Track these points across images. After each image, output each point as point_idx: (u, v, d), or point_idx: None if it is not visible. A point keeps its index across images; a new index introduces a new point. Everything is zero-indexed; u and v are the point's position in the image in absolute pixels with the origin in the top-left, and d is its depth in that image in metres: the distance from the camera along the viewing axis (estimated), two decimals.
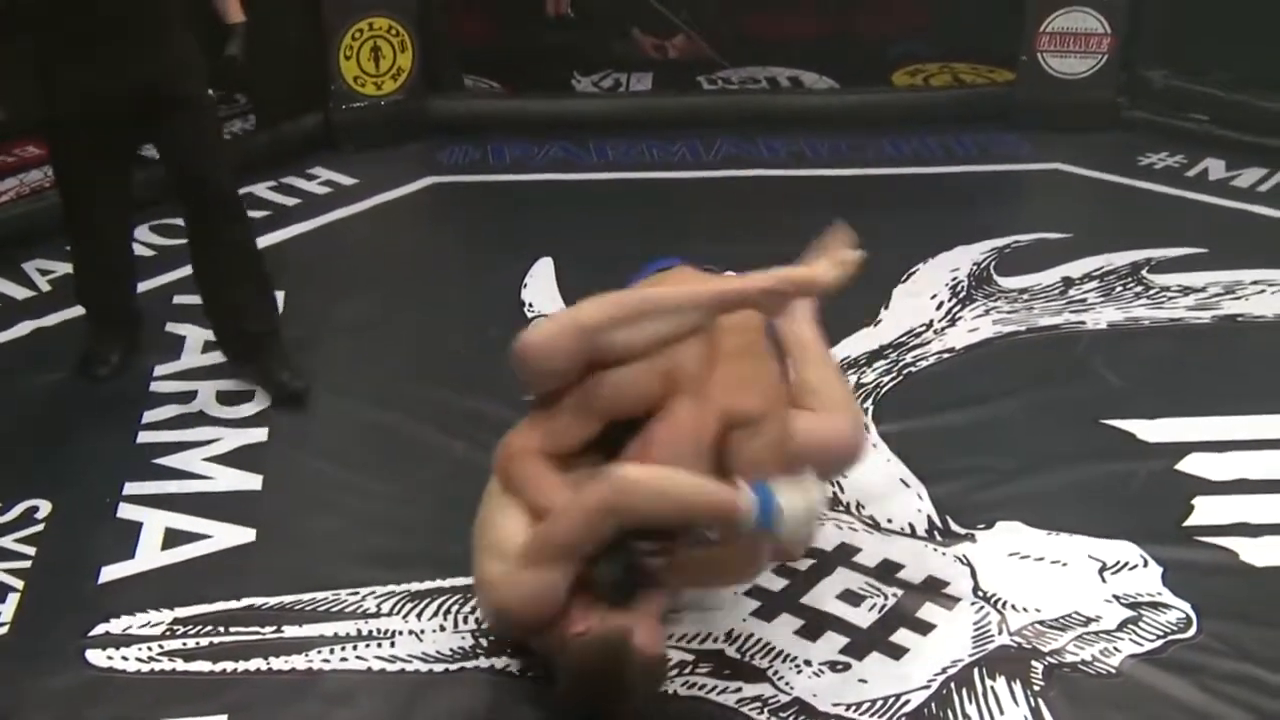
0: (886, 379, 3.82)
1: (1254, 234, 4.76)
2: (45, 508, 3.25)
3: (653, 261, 3.10)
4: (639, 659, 2.50)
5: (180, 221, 4.74)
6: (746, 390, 2.76)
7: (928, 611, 2.94)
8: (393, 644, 2.84)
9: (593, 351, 2.71)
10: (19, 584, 3.01)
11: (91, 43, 3.38)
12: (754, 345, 2.88)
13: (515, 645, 2.77)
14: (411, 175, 5.17)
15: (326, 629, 2.89)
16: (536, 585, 2.58)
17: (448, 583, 2.98)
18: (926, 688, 2.74)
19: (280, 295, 4.23)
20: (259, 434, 3.56)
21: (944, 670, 2.79)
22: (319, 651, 2.83)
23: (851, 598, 2.98)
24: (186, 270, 4.40)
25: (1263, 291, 4.29)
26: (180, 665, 2.79)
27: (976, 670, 2.79)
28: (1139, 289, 4.32)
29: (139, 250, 4.54)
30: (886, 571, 3.06)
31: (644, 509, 2.56)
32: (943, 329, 4.09)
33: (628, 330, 2.73)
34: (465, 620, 2.89)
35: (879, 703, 2.70)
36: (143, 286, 4.35)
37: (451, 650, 2.82)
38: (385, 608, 2.93)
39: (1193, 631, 2.89)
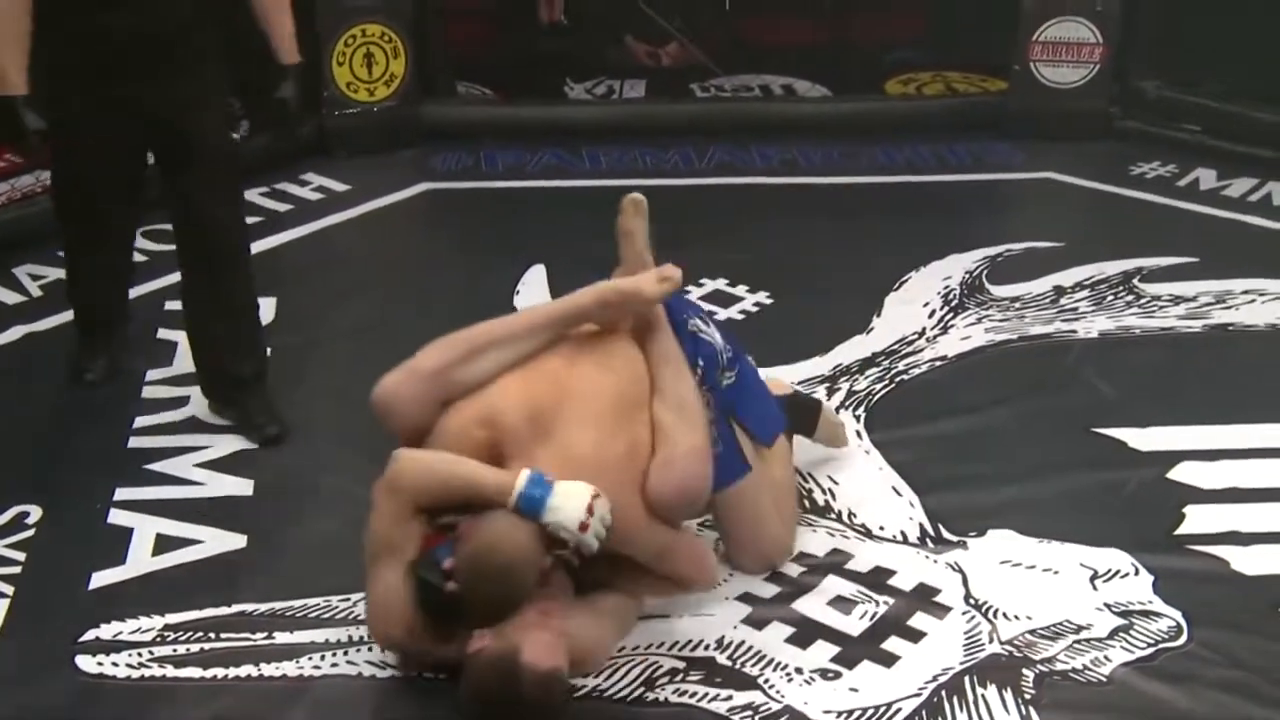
0: (879, 386, 3.82)
1: (1245, 244, 4.77)
2: (36, 513, 3.24)
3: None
4: (530, 674, 2.50)
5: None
6: (575, 466, 2.69)
7: (919, 619, 2.94)
8: (384, 650, 2.84)
9: (442, 393, 2.80)
10: (9, 590, 3.01)
11: (106, 72, 3.21)
12: (604, 371, 2.86)
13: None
14: (405, 181, 5.17)
15: (318, 635, 2.88)
16: (374, 589, 2.70)
17: None
18: (917, 695, 2.74)
19: (274, 301, 4.24)
20: (250, 440, 3.55)
21: (935, 678, 2.79)
22: (310, 658, 2.82)
23: (843, 605, 2.98)
24: (178, 276, 4.42)
25: (1254, 301, 4.30)
26: (171, 671, 2.79)
27: (968, 678, 2.79)
28: (1130, 298, 4.33)
29: None
30: (878, 579, 3.06)
31: (416, 485, 2.69)
32: (935, 337, 4.10)
33: (469, 366, 2.82)
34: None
35: (870, 711, 2.70)
36: (134, 292, 4.34)
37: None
38: None
39: (1184, 640, 2.90)
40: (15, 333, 4.09)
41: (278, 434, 3.52)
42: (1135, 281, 4.42)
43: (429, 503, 2.70)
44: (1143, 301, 4.31)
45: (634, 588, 2.84)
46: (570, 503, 2.62)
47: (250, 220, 4.76)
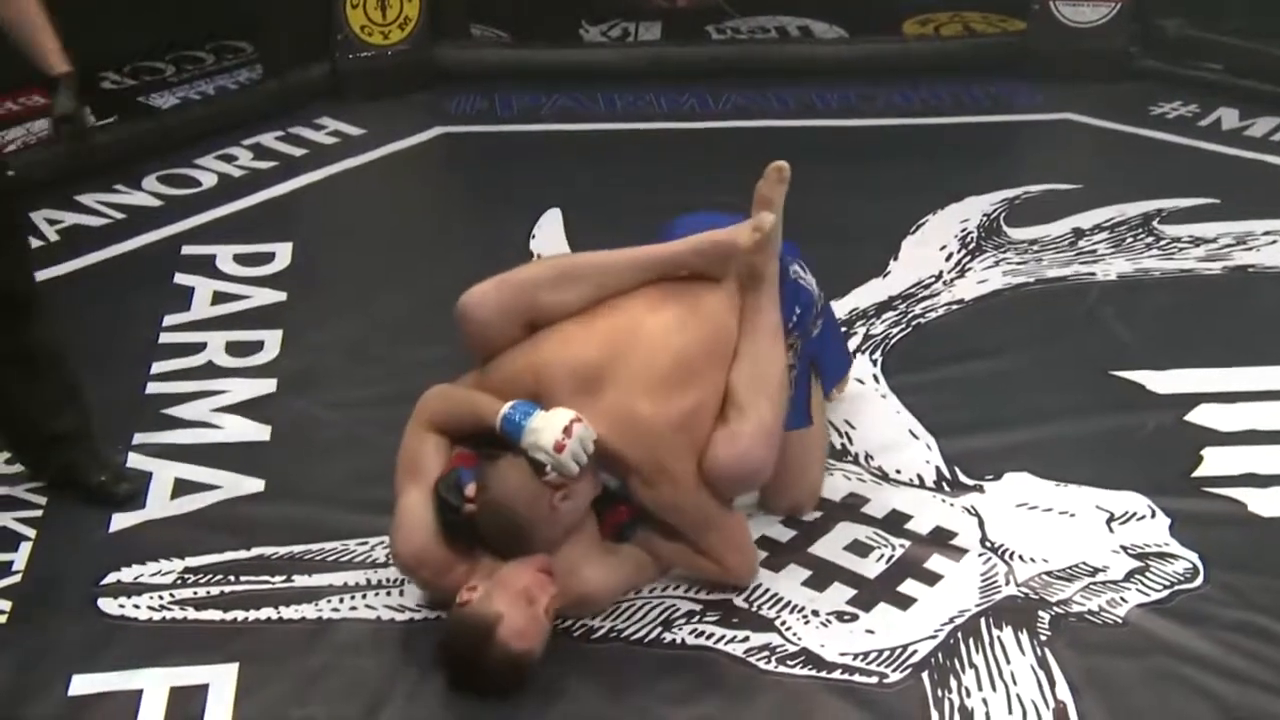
0: (895, 330, 3.81)
1: (1266, 184, 4.72)
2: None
3: (687, 216, 3.11)
4: (500, 649, 2.53)
5: (187, 171, 4.78)
6: (620, 427, 2.69)
7: (935, 562, 2.95)
8: (401, 593, 2.86)
9: (526, 310, 2.81)
10: (31, 533, 3.03)
11: None
12: (681, 327, 2.82)
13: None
14: (419, 125, 5.14)
15: (336, 578, 2.90)
16: (396, 508, 2.73)
17: None
18: (934, 637, 2.75)
19: (289, 246, 4.24)
20: (268, 385, 3.56)
21: (951, 620, 2.80)
22: (328, 601, 2.84)
23: (859, 548, 2.99)
24: (194, 221, 4.44)
25: (1274, 242, 4.26)
26: (191, 614, 2.81)
27: (984, 620, 2.80)
28: (1150, 240, 4.30)
29: (145, 200, 4.56)
30: (894, 522, 3.07)
31: (435, 412, 2.80)
32: (952, 280, 4.08)
33: (558, 291, 2.82)
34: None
35: (886, 653, 2.72)
36: (150, 237, 4.38)
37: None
38: None
39: (1200, 582, 2.90)
40: (37, 277, 4.09)
41: (130, 491, 3.13)
42: (1155, 223, 4.39)
43: (446, 429, 2.78)
44: (1162, 243, 4.28)
45: (670, 557, 2.84)
46: (548, 424, 2.62)
47: (265, 165, 4.80)
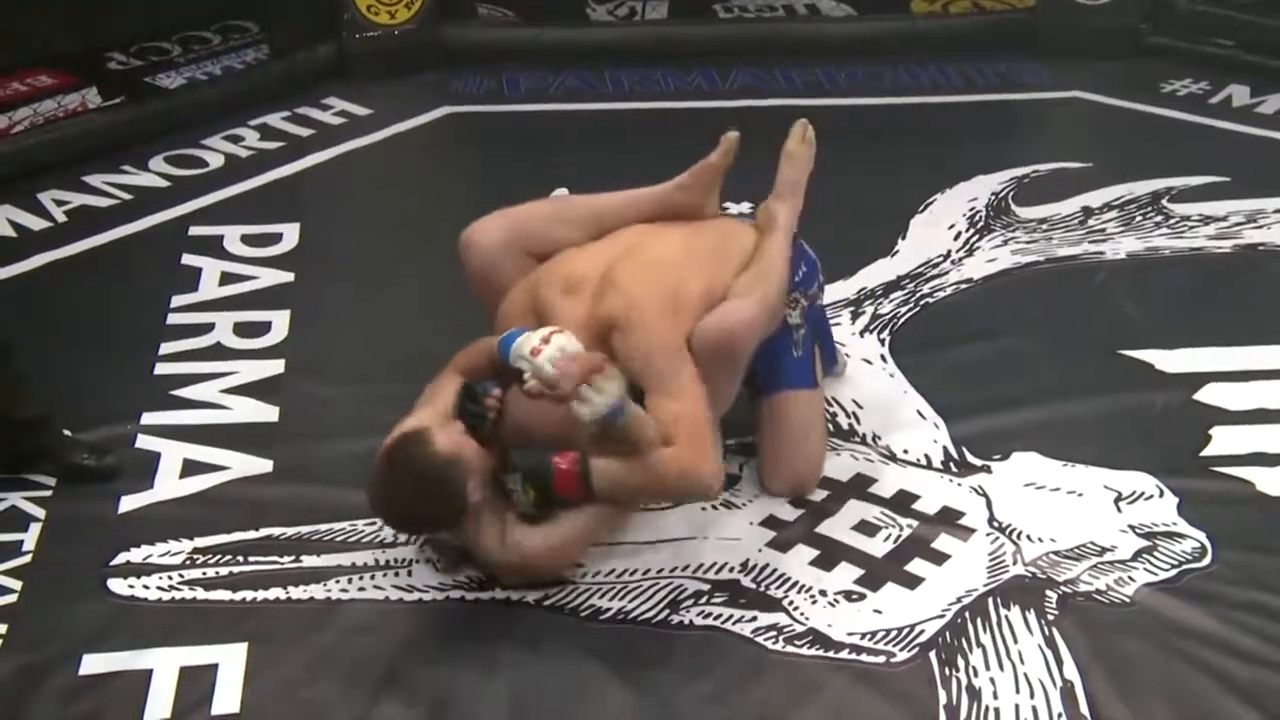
0: (904, 310, 3.81)
1: (1277, 162, 4.71)
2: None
3: None
4: (429, 450, 2.59)
5: (194, 151, 4.78)
6: (611, 291, 2.81)
7: (943, 542, 2.95)
8: (410, 573, 2.87)
9: (524, 239, 2.95)
10: (40, 513, 3.04)
11: None
12: (684, 237, 3.00)
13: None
14: (426, 105, 5.13)
15: (344, 559, 2.91)
16: (403, 425, 2.74)
17: None
18: (941, 617, 2.75)
19: (296, 227, 4.24)
20: (276, 365, 3.57)
21: (959, 600, 2.80)
22: (337, 581, 2.85)
23: (867, 528, 2.99)
24: (202, 201, 4.44)
25: None
26: (201, 594, 2.82)
27: (991, 600, 2.80)
28: (1159, 218, 4.29)
29: (152, 181, 4.56)
30: (902, 502, 3.07)
31: (461, 356, 2.88)
32: (960, 259, 4.07)
33: (556, 224, 3.00)
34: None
35: (894, 632, 2.72)
36: (157, 218, 4.38)
37: (469, 579, 2.84)
38: (402, 537, 2.95)
39: (1208, 561, 2.90)
40: (41, 259, 4.10)
41: (114, 464, 3.14)
42: (1164, 201, 4.37)
43: (469, 372, 2.85)
44: (1172, 222, 4.26)
45: (625, 479, 2.70)
46: (529, 338, 2.73)
47: (271, 145, 4.81)
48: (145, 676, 2.61)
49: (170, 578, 2.86)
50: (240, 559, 2.91)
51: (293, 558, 2.91)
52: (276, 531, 2.98)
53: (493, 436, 2.73)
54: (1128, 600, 2.80)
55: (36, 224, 4.29)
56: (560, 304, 2.84)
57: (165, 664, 2.64)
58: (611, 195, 3.13)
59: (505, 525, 2.71)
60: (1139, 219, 4.28)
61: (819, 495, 3.06)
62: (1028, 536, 2.96)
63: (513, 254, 2.96)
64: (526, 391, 2.70)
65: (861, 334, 3.63)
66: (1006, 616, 2.76)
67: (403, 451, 2.64)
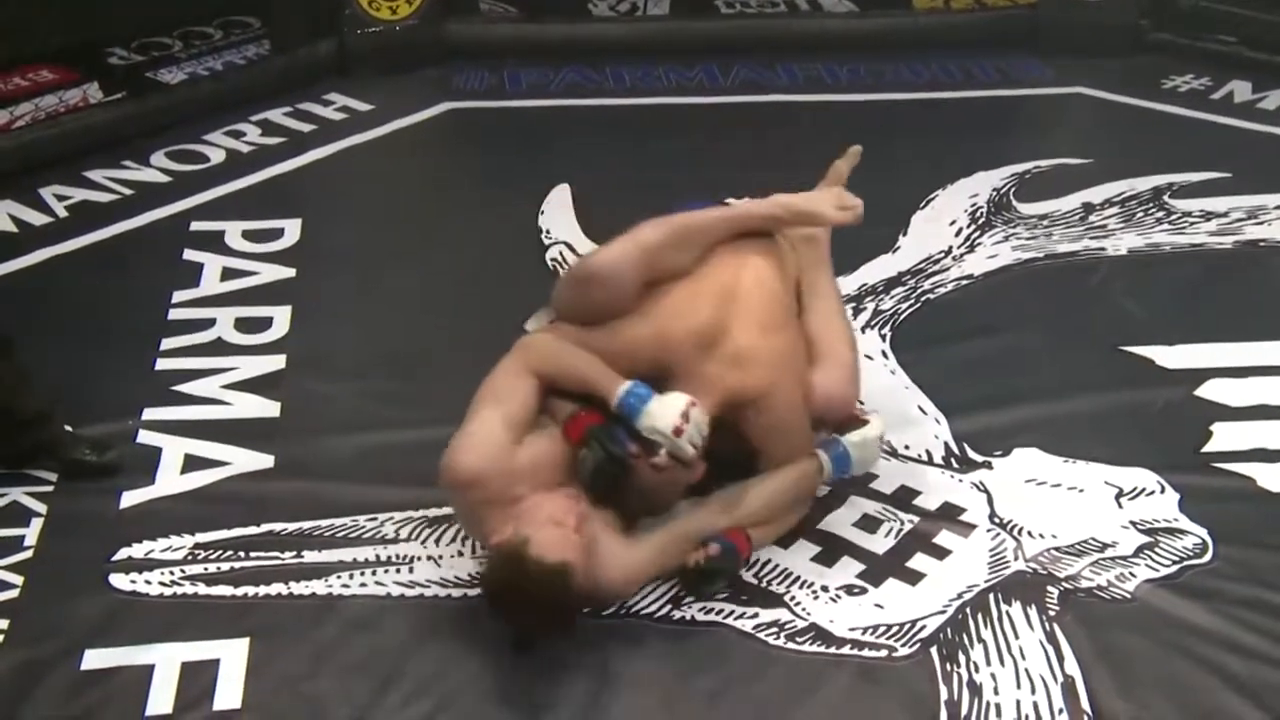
0: (905, 306, 3.81)
1: (1278, 157, 4.70)
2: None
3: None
4: (535, 563, 2.52)
5: (196, 147, 4.78)
6: (744, 362, 2.84)
7: (944, 538, 2.95)
8: (411, 569, 2.87)
9: (650, 272, 2.89)
10: (42, 509, 3.04)
11: None
12: (769, 282, 2.99)
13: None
14: (427, 101, 5.13)
15: (346, 554, 2.91)
16: (471, 424, 2.75)
17: None
18: (942, 613, 2.76)
19: (298, 222, 4.24)
20: (277, 361, 3.57)
21: (960, 595, 2.80)
22: (339, 577, 2.85)
23: (868, 524, 2.99)
24: (203, 197, 4.44)
25: None
26: (202, 589, 2.82)
27: (992, 595, 2.80)
28: (1160, 214, 4.28)
29: (153, 176, 4.56)
30: (903, 498, 3.07)
31: (542, 358, 2.84)
32: (962, 256, 4.07)
33: (676, 252, 2.92)
34: (483, 546, 2.91)
35: (895, 628, 2.72)
36: (159, 213, 4.37)
37: (469, 575, 2.84)
38: (403, 533, 2.95)
39: (1208, 557, 2.90)
40: (43, 254, 4.10)
41: (116, 459, 3.14)
42: (1165, 198, 4.37)
43: (545, 377, 2.82)
44: (1173, 218, 4.26)
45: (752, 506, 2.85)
46: (666, 409, 2.71)
47: (273, 140, 4.81)
48: (147, 672, 2.62)
49: (172, 573, 2.86)
50: (241, 554, 2.91)
51: (294, 553, 2.91)
52: (278, 527, 2.98)
53: (615, 485, 2.72)
54: (1129, 596, 2.80)
55: (38, 219, 4.28)
56: (697, 369, 2.81)
57: (167, 659, 2.64)
58: (714, 214, 3.05)
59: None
60: (1140, 215, 4.28)
61: (820, 490, 3.06)
62: (1029, 532, 2.96)
63: (640, 286, 2.89)
64: (654, 465, 2.69)
65: (863, 330, 3.63)
66: (1008, 612, 2.76)
67: (509, 575, 2.55)
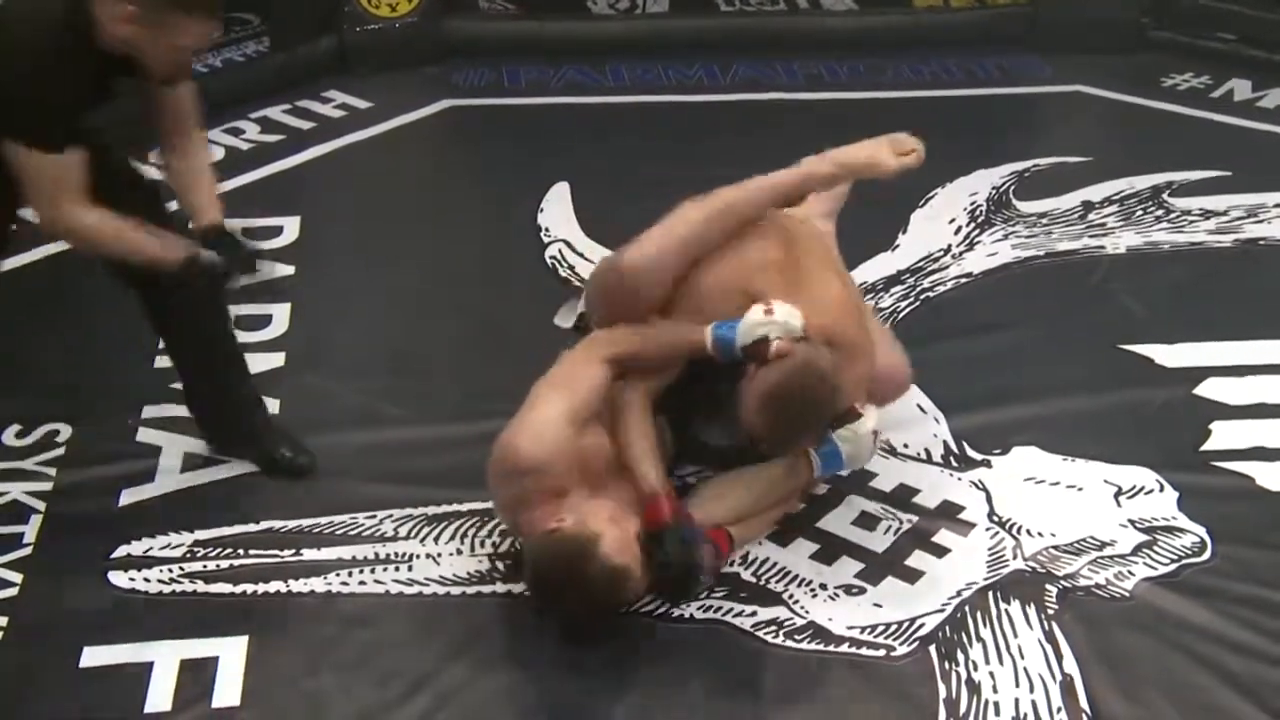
0: (904, 304, 3.81)
1: (1278, 156, 4.70)
2: (66, 431, 3.27)
3: None
4: (602, 562, 2.53)
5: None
6: (835, 308, 2.87)
7: (943, 536, 2.95)
8: (410, 567, 2.87)
9: (684, 268, 2.88)
10: (41, 506, 3.04)
11: None
12: (827, 255, 3.05)
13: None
14: (426, 98, 5.13)
15: (344, 552, 2.91)
16: (536, 409, 2.71)
17: (464, 506, 3.00)
18: (941, 611, 2.76)
19: (297, 220, 4.24)
20: (276, 359, 3.57)
21: (958, 594, 2.80)
22: (337, 574, 2.85)
23: (867, 522, 2.99)
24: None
25: None
26: (201, 587, 2.82)
27: (991, 594, 2.80)
28: (1159, 213, 4.29)
29: (151, 173, 4.54)
30: (902, 496, 3.07)
31: (620, 340, 2.83)
32: (961, 254, 4.07)
33: (710, 238, 2.91)
34: (482, 544, 2.92)
35: (894, 626, 2.72)
36: None
37: (469, 573, 2.85)
38: (402, 531, 2.95)
39: (1207, 556, 2.90)
40: (42, 251, 4.09)
41: (309, 461, 3.15)
42: (1165, 196, 4.37)
43: (624, 357, 2.81)
44: (1172, 216, 4.26)
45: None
46: (754, 314, 2.71)
47: (272, 138, 4.80)
48: (146, 669, 2.62)
49: (171, 571, 2.86)
50: (241, 552, 2.91)
51: (293, 551, 2.91)
52: (277, 524, 2.99)
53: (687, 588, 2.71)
54: (1127, 595, 2.80)
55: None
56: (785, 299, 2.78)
57: (166, 657, 2.64)
58: (750, 186, 2.97)
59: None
60: (1139, 213, 4.28)
61: (820, 489, 3.06)
62: (1027, 531, 2.96)
63: (672, 282, 2.88)
64: (778, 352, 2.66)
65: None
66: (1006, 611, 2.76)
67: (575, 568, 2.54)
